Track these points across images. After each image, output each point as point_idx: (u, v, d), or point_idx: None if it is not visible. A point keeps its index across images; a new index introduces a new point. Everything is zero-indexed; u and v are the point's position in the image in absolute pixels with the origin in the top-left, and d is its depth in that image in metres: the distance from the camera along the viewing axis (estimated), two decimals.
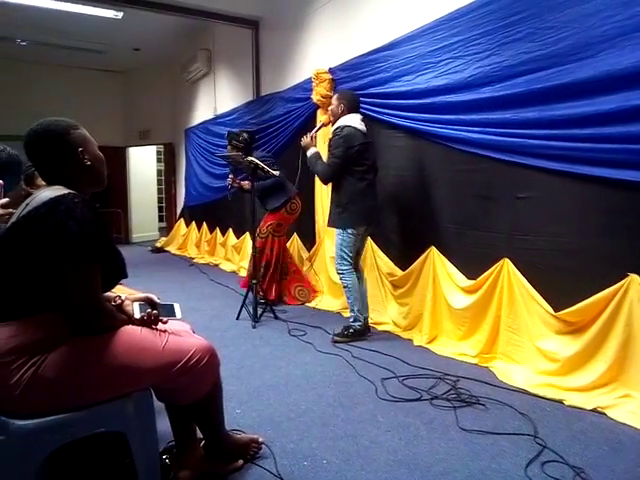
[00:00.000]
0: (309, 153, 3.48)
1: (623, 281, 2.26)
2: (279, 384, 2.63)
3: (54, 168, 1.47)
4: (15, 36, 7.25)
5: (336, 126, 3.32)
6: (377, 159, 3.48)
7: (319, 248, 4.73)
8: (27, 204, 1.39)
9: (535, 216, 2.69)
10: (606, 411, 2.21)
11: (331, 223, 3.45)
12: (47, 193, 1.37)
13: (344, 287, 3.42)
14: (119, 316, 1.50)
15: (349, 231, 3.32)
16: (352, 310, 3.41)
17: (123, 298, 1.63)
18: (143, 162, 10.23)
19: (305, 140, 3.54)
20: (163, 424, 1.69)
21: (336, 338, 3.35)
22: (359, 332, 3.37)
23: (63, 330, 1.34)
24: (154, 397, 1.53)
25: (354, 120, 3.30)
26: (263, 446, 1.94)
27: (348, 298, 3.42)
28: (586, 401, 2.28)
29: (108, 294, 1.59)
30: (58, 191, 1.37)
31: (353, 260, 3.39)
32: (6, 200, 1.46)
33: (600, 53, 2.28)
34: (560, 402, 2.34)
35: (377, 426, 2.15)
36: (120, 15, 6.33)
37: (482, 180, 2.98)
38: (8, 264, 1.34)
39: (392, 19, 3.68)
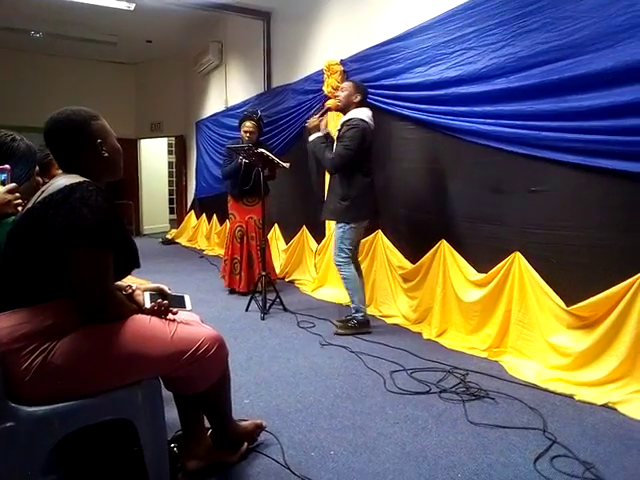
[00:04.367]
0: (314, 136, 3.37)
1: (637, 276, 2.22)
2: (287, 375, 2.64)
3: (72, 157, 1.49)
4: (29, 28, 7.27)
5: (350, 117, 3.24)
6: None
7: (329, 241, 4.71)
8: (43, 191, 1.41)
9: (548, 210, 2.65)
10: (617, 407, 2.18)
11: (332, 216, 3.41)
12: (63, 181, 1.39)
13: (343, 279, 3.42)
14: (129, 305, 1.50)
15: (353, 225, 3.30)
16: (353, 301, 3.40)
17: (134, 287, 1.64)
18: (154, 154, 10.28)
19: (313, 121, 3.42)
20: (171, 413, 1.70)
21: (339, 330, 3.35)
22: (362, 323, 3.36)
23: (73, 317, 1.35)
24: (162, 386, 1.54)
25: (367, 115, 3.25)
26: (271, 436, 1.95)
27: (348, 289, 3.41)
28: (597, 396, 2.26)
29: (119, 283, 1.60)
30: (74, 179, 1.39)
31: (352, 253, 3.38)
32: (13, 185, 1.47)
33: (619, 43, 2.22)
34: (570, 397, 2.32)
35: (385, 418, 2.15)
36: (132, 7, 6.31)
37: (494, 173, 2.95)
38: (22, 250, 1.35)
39: (405, 10, 3.64)
